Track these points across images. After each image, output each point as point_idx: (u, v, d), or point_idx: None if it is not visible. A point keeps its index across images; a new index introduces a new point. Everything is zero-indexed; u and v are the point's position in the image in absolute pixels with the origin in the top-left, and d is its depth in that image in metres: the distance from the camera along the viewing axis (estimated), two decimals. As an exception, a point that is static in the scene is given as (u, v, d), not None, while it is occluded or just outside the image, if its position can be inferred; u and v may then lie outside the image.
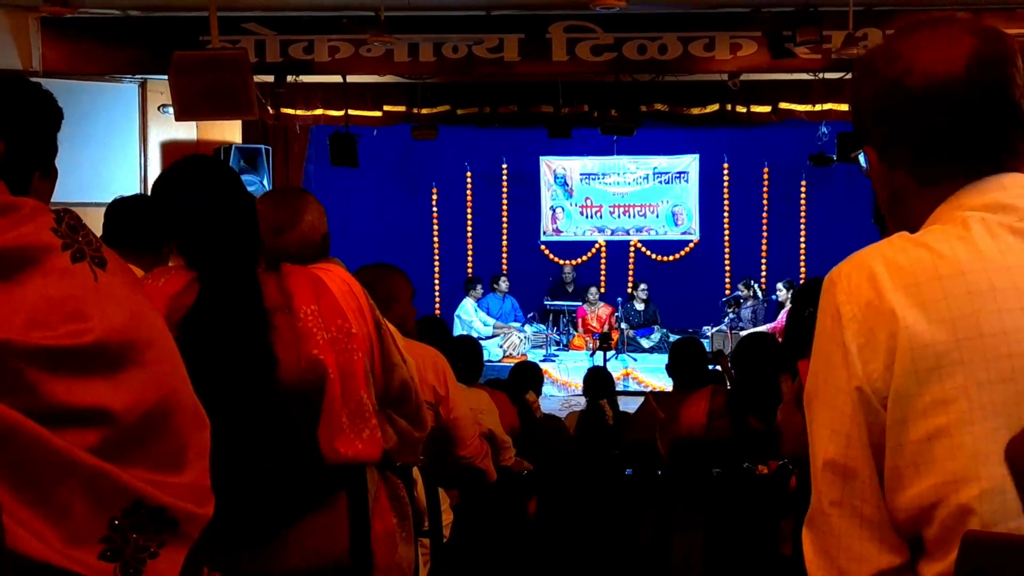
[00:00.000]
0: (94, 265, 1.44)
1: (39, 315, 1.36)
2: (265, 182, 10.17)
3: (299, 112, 10.61)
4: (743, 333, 10.68)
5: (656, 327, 13.20)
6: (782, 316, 11.89)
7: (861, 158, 1.59)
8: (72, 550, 1.33)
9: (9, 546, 1.27)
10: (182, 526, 1.45)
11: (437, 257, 14.78)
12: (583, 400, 7.87)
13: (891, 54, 1.35)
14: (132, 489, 1.39)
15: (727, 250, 14.68)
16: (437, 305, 14.39)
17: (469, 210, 14.83)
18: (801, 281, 13.31)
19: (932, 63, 1.31)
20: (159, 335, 1.51)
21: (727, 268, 14.58)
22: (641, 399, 6.16)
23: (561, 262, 14.53)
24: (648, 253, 14.77)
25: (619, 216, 14.69)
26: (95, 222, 3.44)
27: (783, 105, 10.50)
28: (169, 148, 10.16)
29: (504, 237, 14.91)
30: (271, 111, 10.25)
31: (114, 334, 1.42)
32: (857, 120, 1.42)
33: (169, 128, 9.90)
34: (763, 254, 14.56)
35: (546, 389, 9.41)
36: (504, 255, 14.87)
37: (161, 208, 2.34)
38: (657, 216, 14.63)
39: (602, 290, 14.13)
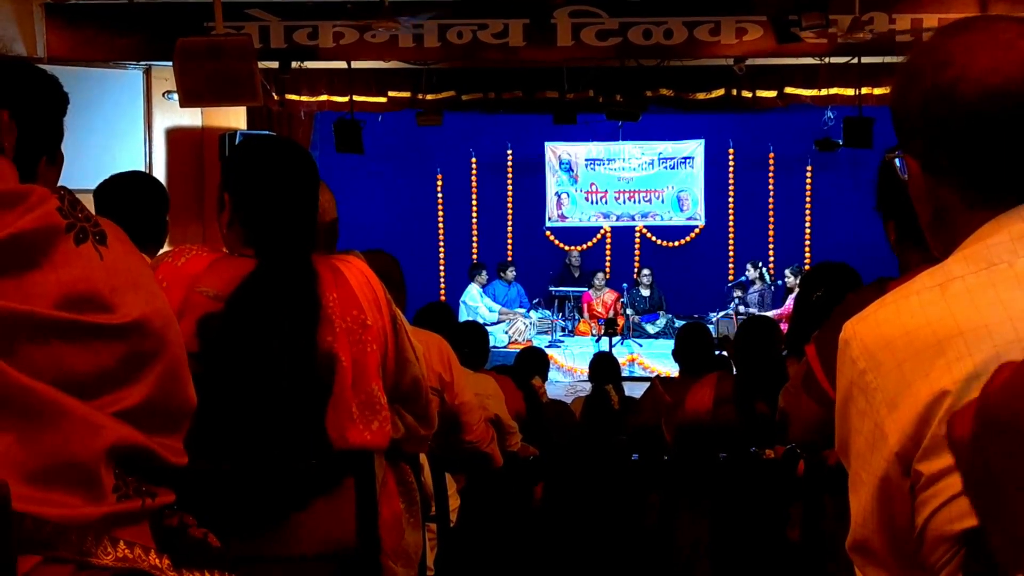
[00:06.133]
0: (96, 244, 1.47)
1: (61, 300, 1.40)
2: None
3: (303, 98, 10.60)
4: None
5: (661, 313, 13.20)
6: (790, 301, 11.88)
7: (898, 163, 1.48)
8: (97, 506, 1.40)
9: (37, 514, 1.33)
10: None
11: (442, 243, 14.78)
12: (589, 386, 7.88)
13: (940, 58, 1.22)
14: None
15: (732, 235, 14.66)
16: (442, 291, 14.39)
17: (474, 196, 14.82)
18: (807, 266, 13.30)
19: (987, 71, 1.18)
20: (163, 304, 1.58)
21: (732, 253, 14.56)
22: (647, 385, 6.16)
23: (566, 248, 14.53)
24: (653, 239, 14.76)
25: (624, 202, 14.67)
26: (101, 208, 3.43)
27: (789, 90, 10.46)
28: (174, 134, 10.16)
29: (509, 223, 14.90)
30: (275, 97, 10.24)
31: (133, 317, 1.47)
32: (899, 128, 1.30)
33: (174, 114, 9.89)
34: (769, 239, 14.54)
35: (551, 375, 9.42)
36: (509, 241, 14.86)
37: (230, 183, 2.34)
38: (662, 201, 14.60)
39: (607, 276, 14.13)
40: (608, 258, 14.83)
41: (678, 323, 11.68)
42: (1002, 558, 0.55)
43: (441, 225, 14.78)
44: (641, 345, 12.29)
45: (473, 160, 14.69)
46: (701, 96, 10.68)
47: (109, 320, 1.43)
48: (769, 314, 11.07)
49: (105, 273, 1.45)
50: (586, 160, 14.60)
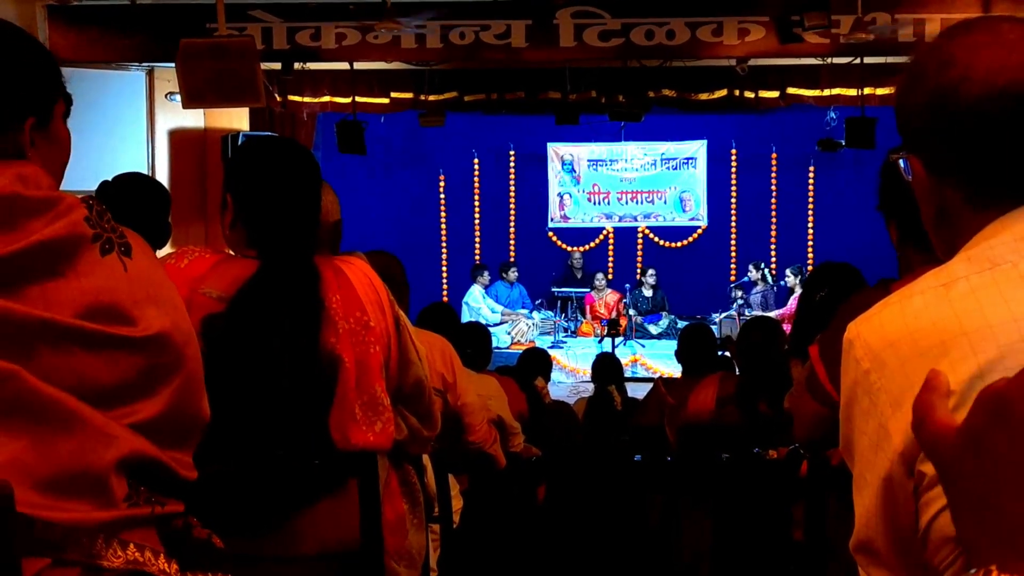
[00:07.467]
0: (121, 255, 1.47)
1: (83, 309, 1.40)
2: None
3: (306, 99, 10.60)
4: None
5: (664, 313, 13.19)
6: (792, 301, 11.88)
7: (902, 163, 1.48)
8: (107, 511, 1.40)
9: (45, 519, 1.33)
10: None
11: (445, 244, 14.78)
12: (591, 386, 7.88)
13: (944, 58, 1.21)
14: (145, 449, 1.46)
15: (735, 236, 14.66)
16: (445, 292, 14.40)
17: (477, 197, 14.83)
18: (809, 267, 13.31)
19: (991, 71, 1.17)
20: (184, 319, 1.57)
21: (734, 254, 14.56)
22: (649, 385, 6.16)
23: (569, 248, 14.53)
24: (656, 239, 14.76)
25: (627, 202, 14.67)
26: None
27: (791, 90, 10.46)
28: (176, 135, 10.16)
29: (512, 224, 14.91)
30: (278, 98, 10.24)
31: (154, 330, 1.47)
32: (903, 128, 1.30)
33: (176, 116, 9.89)
34: (771, 240, 14.54)
35: (554, 376, 9.42)
36: (512, 242, 14.86)
37: (234, 185, 2.34)
38: (665, 202, 14.60)
39: (610, 276, 14.12)
40: (611, 259, 14.83)
41: (680, 324, 11.66)
42: (980, 549, 0.55)
43: (444, 226, 14.78)
44: (644, 346, 12.29)
45: (476, 161, 14.70)
46: (703, 97, 10.68)
47: (130, 332, 1.43)
48: (772, 314, 11.07)
49: (128, 285, 1.45)
50: (588, 161, 14.60)
